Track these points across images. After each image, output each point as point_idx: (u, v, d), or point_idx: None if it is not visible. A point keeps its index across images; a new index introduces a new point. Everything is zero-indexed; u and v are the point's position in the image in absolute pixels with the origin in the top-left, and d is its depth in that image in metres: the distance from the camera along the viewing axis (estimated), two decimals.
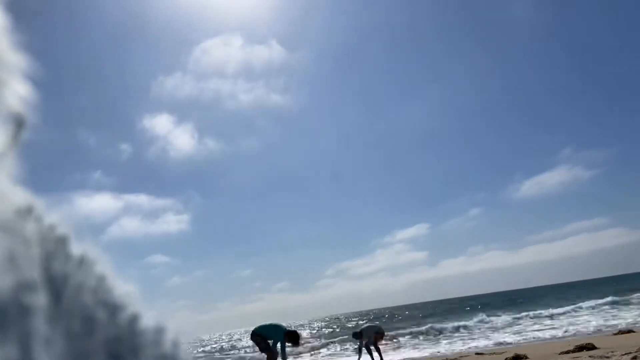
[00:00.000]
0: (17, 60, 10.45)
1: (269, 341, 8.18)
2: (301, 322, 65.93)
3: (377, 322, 13.69)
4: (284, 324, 8.50)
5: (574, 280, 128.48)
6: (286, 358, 8.21)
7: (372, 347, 12.13)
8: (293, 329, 8.77)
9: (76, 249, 10.20)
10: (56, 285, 9.43)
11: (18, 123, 10.44)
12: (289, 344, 8.34)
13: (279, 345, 8.05)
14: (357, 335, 12.40)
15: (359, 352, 12.62)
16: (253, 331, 8.46)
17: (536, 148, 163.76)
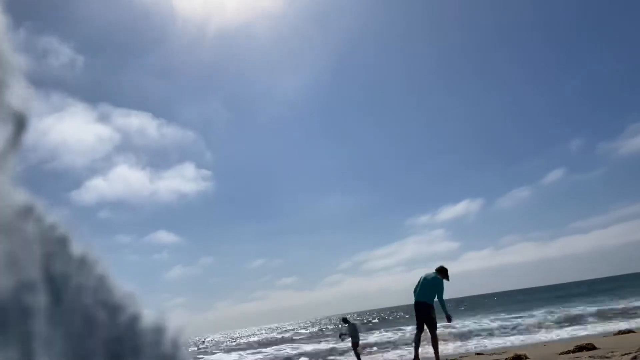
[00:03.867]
0: (17, 60, 10.49)
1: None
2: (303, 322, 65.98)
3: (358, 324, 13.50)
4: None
5: None
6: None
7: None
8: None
9: (77, 249, 10.26)
10: (56, 286, 9.43)
11: (18, 123, 10.48)
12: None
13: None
14: (345, 321, 12.68)
15: (341, 337, 12.79)
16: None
17: None
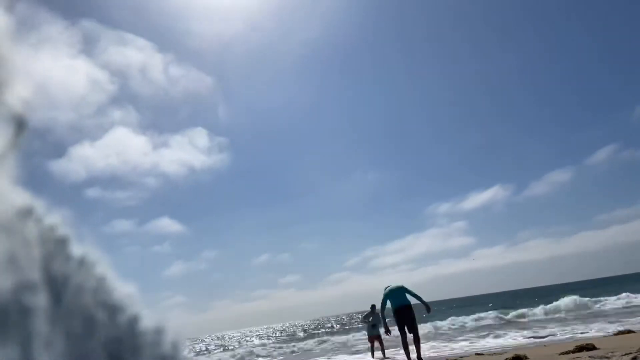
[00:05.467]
0: (18, 60, 10.47)
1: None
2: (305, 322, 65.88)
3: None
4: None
5: None
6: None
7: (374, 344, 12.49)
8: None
9: (76, 250, 10.21)
10: (56, 286, 9.43)
11: (18, 124, 10.45)
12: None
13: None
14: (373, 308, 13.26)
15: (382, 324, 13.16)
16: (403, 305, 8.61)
17: None
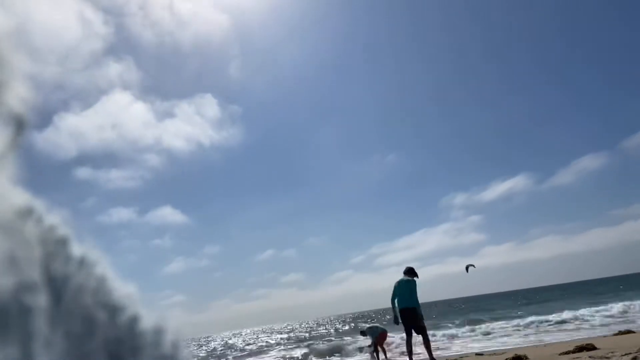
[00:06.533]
0: (18, 61, 10.47)
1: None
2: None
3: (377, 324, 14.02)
4: None
5: None
6: None
7: (379, 348, 12.52)
8: None
9: (76, 250, 10.20)
10: (56, 286, 9.43)
11: (18, 124, 10.45)
12: None
13: None
14: (363, 333, 13.05)
15: (374, 346, 12.92)
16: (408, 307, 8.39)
17: None
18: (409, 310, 8.36)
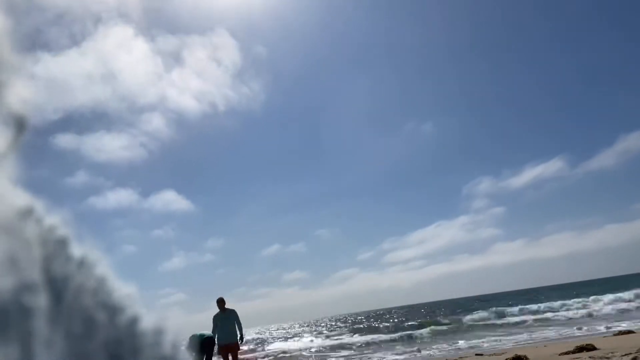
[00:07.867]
0: (18, 60, 10.48)
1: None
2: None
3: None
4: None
5: None
6: None
7: None
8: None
9: (77, 250, 10.22)
10: (56, 287, 9.45)
11: (19, 124, 10.46)
12: None
13: None
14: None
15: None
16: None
17: None
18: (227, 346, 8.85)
